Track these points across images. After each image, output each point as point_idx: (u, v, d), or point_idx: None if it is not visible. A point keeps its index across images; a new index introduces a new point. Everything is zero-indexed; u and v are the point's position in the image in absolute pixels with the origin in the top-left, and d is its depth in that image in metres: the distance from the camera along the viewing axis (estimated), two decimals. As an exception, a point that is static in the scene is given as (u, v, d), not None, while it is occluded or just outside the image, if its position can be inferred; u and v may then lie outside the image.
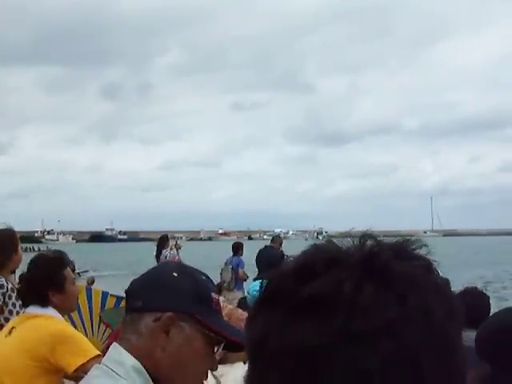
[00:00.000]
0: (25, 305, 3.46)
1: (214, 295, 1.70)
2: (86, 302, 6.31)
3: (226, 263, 12.38)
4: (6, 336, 3.30)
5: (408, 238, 0.74)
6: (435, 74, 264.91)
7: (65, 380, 3.33)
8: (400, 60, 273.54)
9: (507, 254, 49.66)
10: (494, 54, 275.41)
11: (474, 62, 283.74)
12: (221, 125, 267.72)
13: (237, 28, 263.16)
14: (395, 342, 0.64)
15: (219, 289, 9.87)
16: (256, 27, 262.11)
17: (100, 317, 6.31)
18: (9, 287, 4.45)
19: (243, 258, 12.55)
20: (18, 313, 4.17)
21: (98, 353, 3.17)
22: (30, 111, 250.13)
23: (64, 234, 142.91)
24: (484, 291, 4.92)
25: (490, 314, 3.46)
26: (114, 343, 1.64)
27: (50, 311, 3.31)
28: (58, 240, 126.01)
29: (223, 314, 1.84)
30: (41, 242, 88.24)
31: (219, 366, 2.63)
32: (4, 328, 3.55)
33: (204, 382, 1.71)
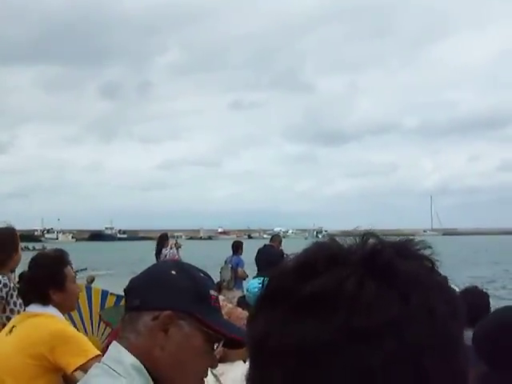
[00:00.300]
0: (25, 303, 3.46)
1: (212, 293, 1.69)
2: (86, 300, 6.30)
3: (225, 262, 12.37)
4: (6, 335, 3.30)
5: (411, 237, 0.74)
6: (435, 73, 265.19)
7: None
8: (400, 59, 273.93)
9: (506, 254, 49.65)
10: (494, 52, 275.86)
11: (474, 60, 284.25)
12: (220, 124, 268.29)
13: (236, 27, 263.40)
14: (398, 339, 0.64)
15: (219, 288, 9.87)
16: (255, 26, 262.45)
17: (100, 315, 6.31)
18: (11, 286, 4.45)
19: (243, 256, 12.54)
20: (19, 312, 4.18)
21: (98, 353, 3.16)
22: (30, 110, 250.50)
23: (64, 233, 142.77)
24: (484, 291, 4.92)
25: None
26: (114, 342, 1.64)
27: (51, 310, 3.31)
28: (57, 239, 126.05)
29: (223, 312, 1.84)
30: (40, 241, 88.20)
31: (219, 364, 2.63)
32: (5, 327, 3.55)
33: (204, 380, 1.71)
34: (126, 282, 1.73)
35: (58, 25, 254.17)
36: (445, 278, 0.72)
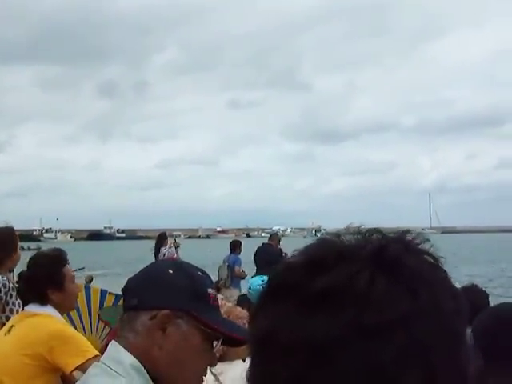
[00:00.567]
0: (24, 303, 3.46)
1: (210, 291, 1.68)
2: (85, 300, 6.29)
3: (224, 261, 12.40)
4: (5, 334, 3.30)
5: (408, 229, 0.74)
6: (432, 71, 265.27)
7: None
8: (397, 58, 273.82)
9: (504, 252, 49.71)
10: (491, 51, 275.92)
11: (471, 59, 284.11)
12: (218, 123, 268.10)
13: (234, 26, 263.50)
14: (408, 335, 0.65)
15: (217, 287, 9.88)
16: (253, 25, 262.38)
17: (99, 315, 6.31)
18: (10, 286, 4.45)
19: (242, 255, 12.55)
20: (18, 311, 4.17)
21: (97, 353, 3.16)
22: (28, 110, 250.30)
23: (62, 233, 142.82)
24: (483, 289, 4.93)
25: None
26: (113, 341, 1.64)
27: (49, 310, 3.31)
28: (56, 238, 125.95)
29: (222, 311, 1.84)
30: (39, 241, 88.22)
31: (218, 363, 2.63)
32: (4, 326, 3.55)
33: (203, 378, 1.70)
34: (125, 282, 1.73)
35: (56, 24, 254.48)
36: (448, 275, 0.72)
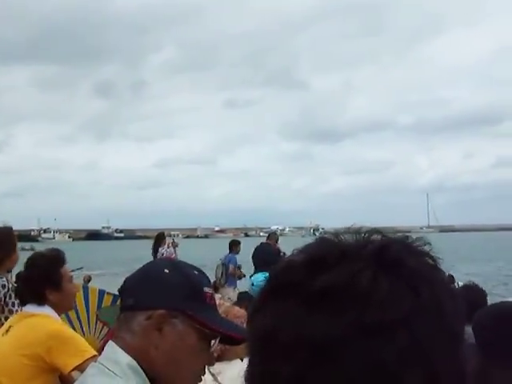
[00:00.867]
0: (22, 303, 3.46)
1: (207, 290, 1.68)
2: (83, 300, 6.29)
3: (220, 260, 12.43)
4: (3, 335, 3.29)
5: (409, 234, 0.74)
6: (429, 70, 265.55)
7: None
8: (393, 57, 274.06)
9: (502, 250, 49.77)
10: (488, 49, 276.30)
11: (468, 58, 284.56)
12: (215, 122, 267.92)
13: (231, 26, 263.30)
14: (410, 333, 0.65)
15: (214, 286, 9.89)
16: (250, 25, 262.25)
17: (97, 315, 6.30)
18: (9, 287, 4.44)
19: (240, 254, 12.56)
20: (17, 312, 4.17)
21: (95, 353, 3.15)
22: (25, 109, 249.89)
23: (60, 233, 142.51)
24: (481, 288, 4.95)
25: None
26: (110, 341, 1.63)
27: (47, 310, 3.30)
28: (54, 238, 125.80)
29: (220, 311, 1.84)
30: (37, 241, 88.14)
31: (217, 363, 2.63)
32: (2, 327, 3.54)
33: (201, 378, 1.70)
34: (123, 282, 1.73)
35: (53, 24, 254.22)
36: (446, 275, 0.73)
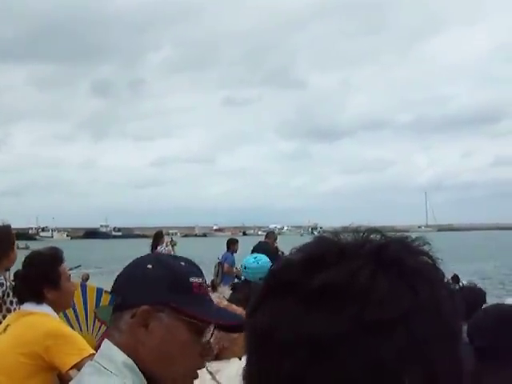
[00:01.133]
0: (20, 302, 3.45)
1: (194, 280, 1.62)
2: (81, 298, 6.28)
3: (218, 258, 12.45)
4: (0, 333, 3.29)
5: (407, 234, 0.74)
6: (428, 68, 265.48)
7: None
8: (393, 55, 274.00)
9: (501, 249, 49.84)
10: (487, 48, 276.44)
11: (467, 56, 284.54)
12: (213, 121, 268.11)
13: (229, 24, 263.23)
14: (409, 331, 0.65)
15: (213, 285, 9.89)
16: (248, 23, 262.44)
17: (95, 313, 6.29)
18: (8, 285, 4.43)
19: (238, 253, 12.56)
20: (15, 310, 4.16)
21: (93, 351, 3.15)
22: (23, 108, 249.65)
23: (58, 231, 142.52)
24: (480, 288, 4.96)
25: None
26: (106, 339, 1.62)
27: (45, 308, 3.30)
28: (52, 237, 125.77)
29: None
30: (35, 239, 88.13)
31: (215, 362, 2.63)
32: (0, 325, 3.54)
33: (199, 374, 1.66)
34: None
35: (51, 23, 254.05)
36: (451, 275, 0.73)
